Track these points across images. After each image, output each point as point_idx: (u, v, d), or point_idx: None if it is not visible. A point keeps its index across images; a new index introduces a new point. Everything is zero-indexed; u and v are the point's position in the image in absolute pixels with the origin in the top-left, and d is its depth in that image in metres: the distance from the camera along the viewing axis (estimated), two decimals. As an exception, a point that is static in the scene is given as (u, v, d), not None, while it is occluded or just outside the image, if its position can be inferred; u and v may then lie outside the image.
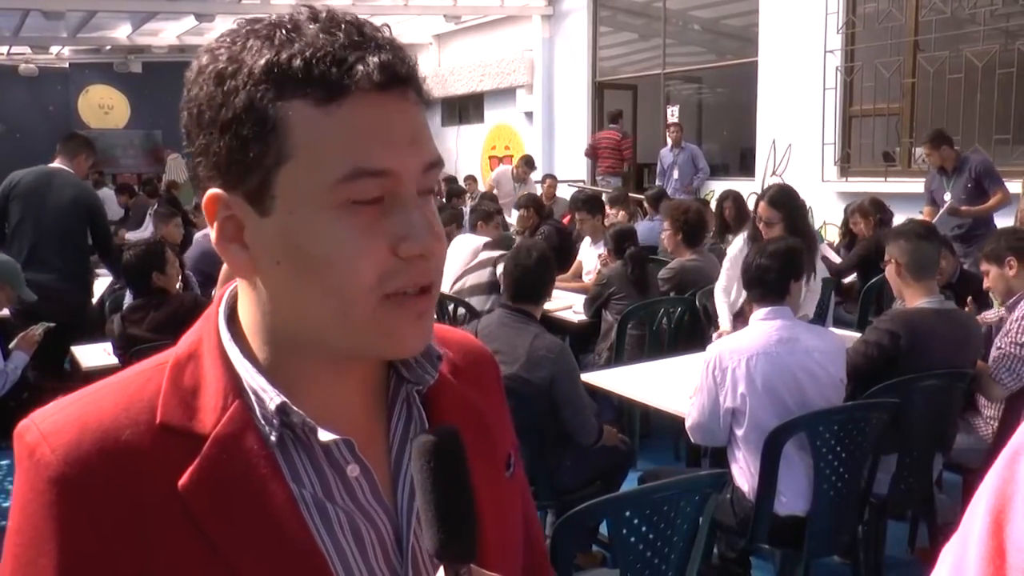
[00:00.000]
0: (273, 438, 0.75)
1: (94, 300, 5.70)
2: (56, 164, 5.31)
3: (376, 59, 0.70)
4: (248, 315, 0.79)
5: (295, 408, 0.75)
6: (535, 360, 3.22)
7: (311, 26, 0.71)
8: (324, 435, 0.75)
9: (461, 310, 5.19)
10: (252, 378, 0.76)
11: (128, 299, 4.92)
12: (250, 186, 0.72)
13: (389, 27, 0.76)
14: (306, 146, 0.70)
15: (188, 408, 0.75)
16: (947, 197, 6.57)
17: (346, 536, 0.77)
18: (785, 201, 4.32)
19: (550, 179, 10.51)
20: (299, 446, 0.77)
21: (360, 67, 0.70)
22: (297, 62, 0.69)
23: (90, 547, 0.70)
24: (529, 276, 3.40)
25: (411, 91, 0.74)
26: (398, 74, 0.72)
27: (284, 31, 0.71)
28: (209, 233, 0.77)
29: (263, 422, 0.75)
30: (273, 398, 0.74)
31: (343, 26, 0.72)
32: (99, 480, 0.71)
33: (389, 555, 0.79)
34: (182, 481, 0.72)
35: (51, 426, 0.73)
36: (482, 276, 5.34)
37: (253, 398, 0.75)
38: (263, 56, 0.70)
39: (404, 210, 0.73)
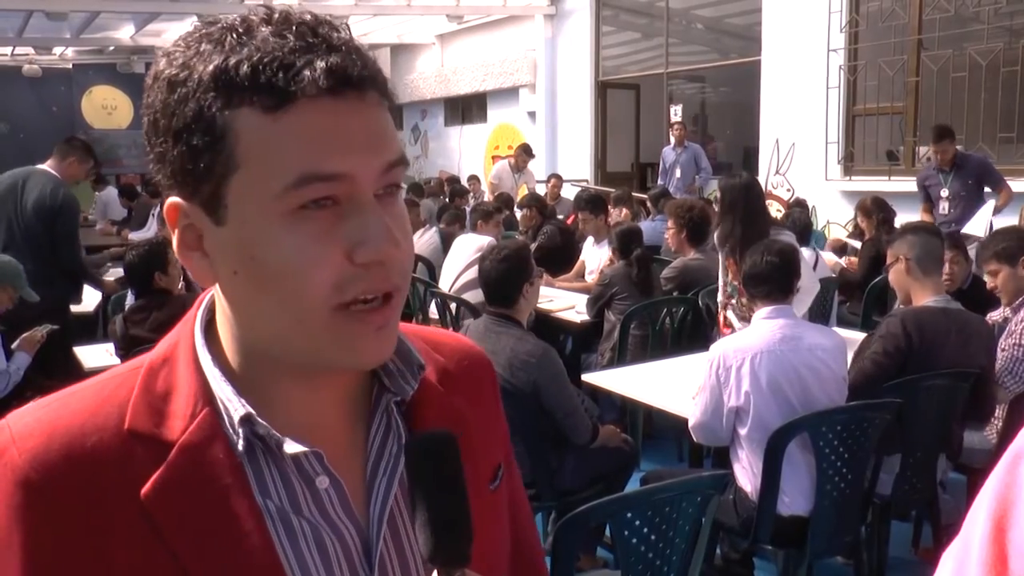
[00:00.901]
0: (240, 448, 0.73)
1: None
2: (43, 165, 5.23)
3: (324, 63, 0.68)
4: (221, 322, 0.78)
5: (260, 420, 0.73)
6: (517, 365, 3.19)
7: (263, 28, 0.69)
8: (292, 447, 0.74)
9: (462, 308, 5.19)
10: (220, 387, 0.75)
11: (129, 300, 4.93)
12: (204, 195, 0.71)
13: (348, 26, 0.74)
14: (255, 154, 0.68)
15: (157, 414, 0.74)
16: (944, 193, 6.51)
17: (310, 549, 0.76)
18: (729, 187, 4.33)
19: (555, 179, 10.48)
20: (269, 456, 0.75)
21: (307, 72, 0.67)
22: (244, 69, 0.67)
23: (52, 552, 0.70)
24: (497, 279, 3.35)
25: (369, 92, 0.71)
26: (349, 77, 0.69)
27: (235, 35, 0.69)
28: None
29: (232, 431, 0.74)
30: (238, 408, 0.73)
31: (296, 27, 0.69)
32: (63, 485, 0.71)
33: (355, 567, 0.78)
34: (145, 489, 0.71)
35: (23, 429, 0.73)
36: (473, 272, 5.40)
37: (222, 407, 0.74)
38: (212, 62, 0.68)
39: (360, 215, 0.70)
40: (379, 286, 0.71)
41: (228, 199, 0.70)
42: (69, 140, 5.60)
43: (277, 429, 0.74)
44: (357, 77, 0.69)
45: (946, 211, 6.55)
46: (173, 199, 0.73)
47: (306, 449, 0.75)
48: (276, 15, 0.70)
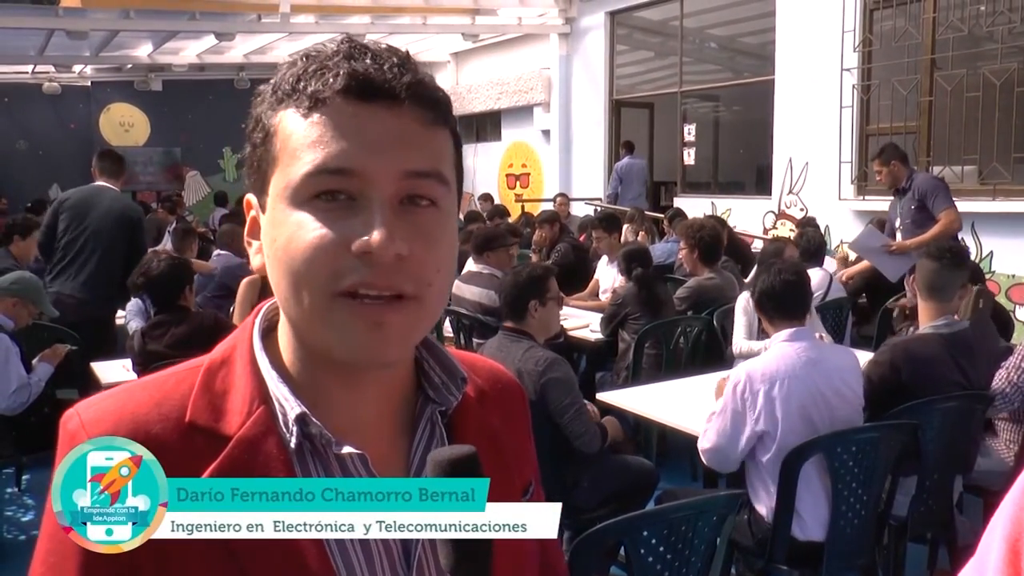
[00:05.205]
0: (292, 445, 0.78)
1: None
2: (101, 182, 5.54)
3: (349, 68, 0.75)
4: (281, 324, 0.85)
5: (314, 419, 0.78)
6: (523, 372, 3.23)
7: (330, 49, 0.79)
8: (340, 447, 0.79)
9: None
10: (276, 387, 0.80)
11: (132, 312, 4.98)
12: (258, 188, 0.81)
13: (408, 52, 0.80)
14: (287, 149, 0.77)
15: (216, 410, 0.79)
16: (897, 223, 5.96)
17: (355, 547, 0.79)
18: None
19: (561, 197, 10.51)
20: (316, 456, 0.80)
21: (332, 77, 0.76)
22: (291, 79, 0.78)
23: None
24: (506, 293, 3.50)
25: (405, 104, 0.76)
26: (371, 81, 0.75)
27: (306, 58, 0.79)
28: (223, 253, 0.82)
29: (285, 429, 0.79)
30: (294, 407, 0.78)
31: (353, 46, 0.78)
32: None
33: (396, 568, 0.81)
34: (204, 476, 0.75)
35: (92, 415, 0.79)
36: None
37: (277, 406, 0.80)
38: (278, 76, 0.80)
39: (367, 211, 0.74)
40: (378, 283, 0.74)
41: (269, 189, 0.79)
42: (108, 155, 5.84)
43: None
44: (384, 85, 0.75)
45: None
46: (248, 194, 0.84)
47: (353, 451, 0.79)
48: (344, 42, 0.79)
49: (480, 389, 0.93)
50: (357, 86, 0.75)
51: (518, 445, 0.96)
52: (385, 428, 0.85)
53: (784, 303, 3.10)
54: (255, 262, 0.84)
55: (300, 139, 0.76)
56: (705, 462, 3.13)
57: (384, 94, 0.75)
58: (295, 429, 0.78)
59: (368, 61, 0.76)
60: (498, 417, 0.94)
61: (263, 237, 0.81)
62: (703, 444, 3.05)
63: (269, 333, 0.86)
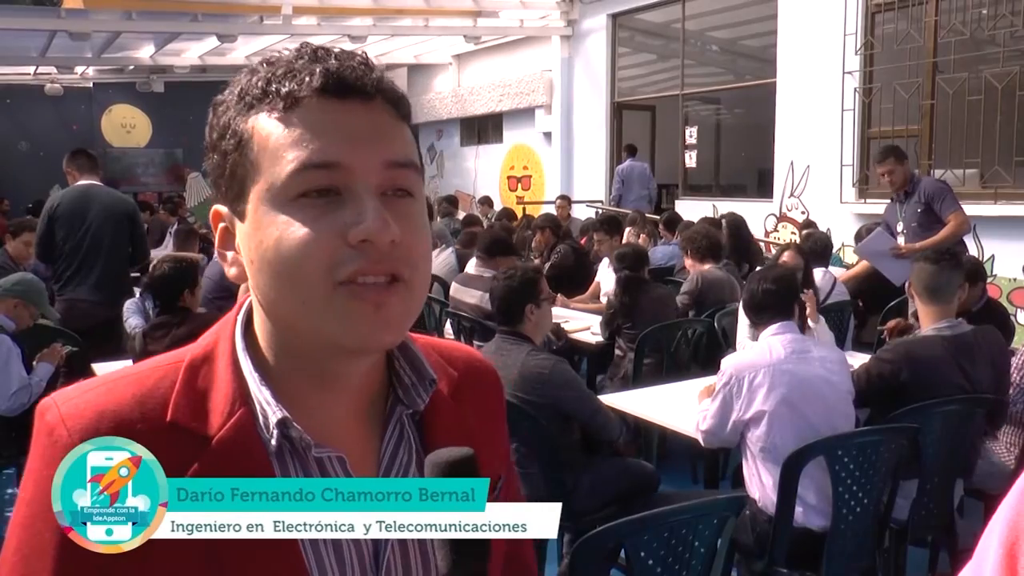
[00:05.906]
0: (272, 447, 0.79)
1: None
2: (84, 181, 5.49)
3: (322, 68, 0.77)
4: (256, 325, 0.84)
5: (295, 424, 0.79)
6: (528, 377, 3.24)
7: (289, 55, 0.80)
8: (319, 451, 0.80)
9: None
10: (259, 390, 0.80)
11: (131, 311, 4.99)
12: (232, 196, 0.80)
13: (366, 53, 0.82)
14: (267, 151, 0.77)
15: (197, 409, 0.79)
16: (899, 227, 5.92)
17: (327, 548, 0.81)
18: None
19: (562, 200, 10.52)
20: (295, 457, 0.81)
21: (306, 76, 0.77)
22: (260, 83, 0.79)
23: None
24: (502, 297, 3.48)
25: (376, 100, 0.79)
26: (344, 79, 0.78)
27: (266, 64, 0.81)
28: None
29: (265, 431, 0.79)
30: (276, 412, 0.79)
31: (314, 50, 0.80)
32: None
33: (366, 569, 0.83)
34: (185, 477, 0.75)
35: (71, 408, 0.78)
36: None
37: (258, 407, 0.80)
38: (240, 84, 0.81)
39: (356, 201, 0.76)
40: (376, 267, 0.76)
41: (248, 195, 0.79)
42: (81, 153, 5.75)
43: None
44: (357, 83, 0.78)
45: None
46: (215, 206, 0.84)
47: (332, 453, 0.81)
48: (303, 47, 0.80)
49: (455, 382, 0.94)
50: (334, 84, 0.77)
51: (491, 437, 0.96)
52: (357, 427, 0.86)
53: (764, 312, 3.20)
54: (230, 272, 0.83)
55: (280, 140, 0.77)
56: (703, 443, 3.24)
57: (357, 91, 0.78)
58: (276, 432, 0.79)
59: (334, 61, 0.78)
60: (473, 410, 0.94)
61: (243, 244, 0.80)
62: (703, 425, 3.17)
63: (249, 327, 0.85)
